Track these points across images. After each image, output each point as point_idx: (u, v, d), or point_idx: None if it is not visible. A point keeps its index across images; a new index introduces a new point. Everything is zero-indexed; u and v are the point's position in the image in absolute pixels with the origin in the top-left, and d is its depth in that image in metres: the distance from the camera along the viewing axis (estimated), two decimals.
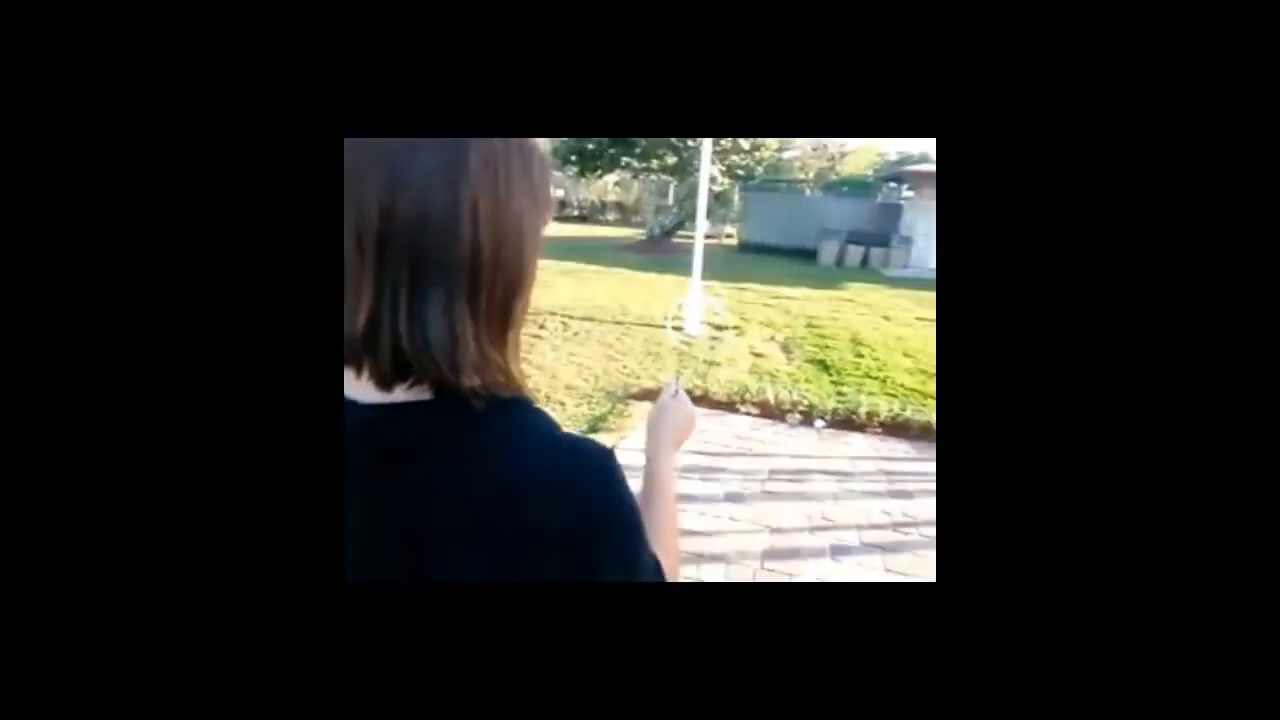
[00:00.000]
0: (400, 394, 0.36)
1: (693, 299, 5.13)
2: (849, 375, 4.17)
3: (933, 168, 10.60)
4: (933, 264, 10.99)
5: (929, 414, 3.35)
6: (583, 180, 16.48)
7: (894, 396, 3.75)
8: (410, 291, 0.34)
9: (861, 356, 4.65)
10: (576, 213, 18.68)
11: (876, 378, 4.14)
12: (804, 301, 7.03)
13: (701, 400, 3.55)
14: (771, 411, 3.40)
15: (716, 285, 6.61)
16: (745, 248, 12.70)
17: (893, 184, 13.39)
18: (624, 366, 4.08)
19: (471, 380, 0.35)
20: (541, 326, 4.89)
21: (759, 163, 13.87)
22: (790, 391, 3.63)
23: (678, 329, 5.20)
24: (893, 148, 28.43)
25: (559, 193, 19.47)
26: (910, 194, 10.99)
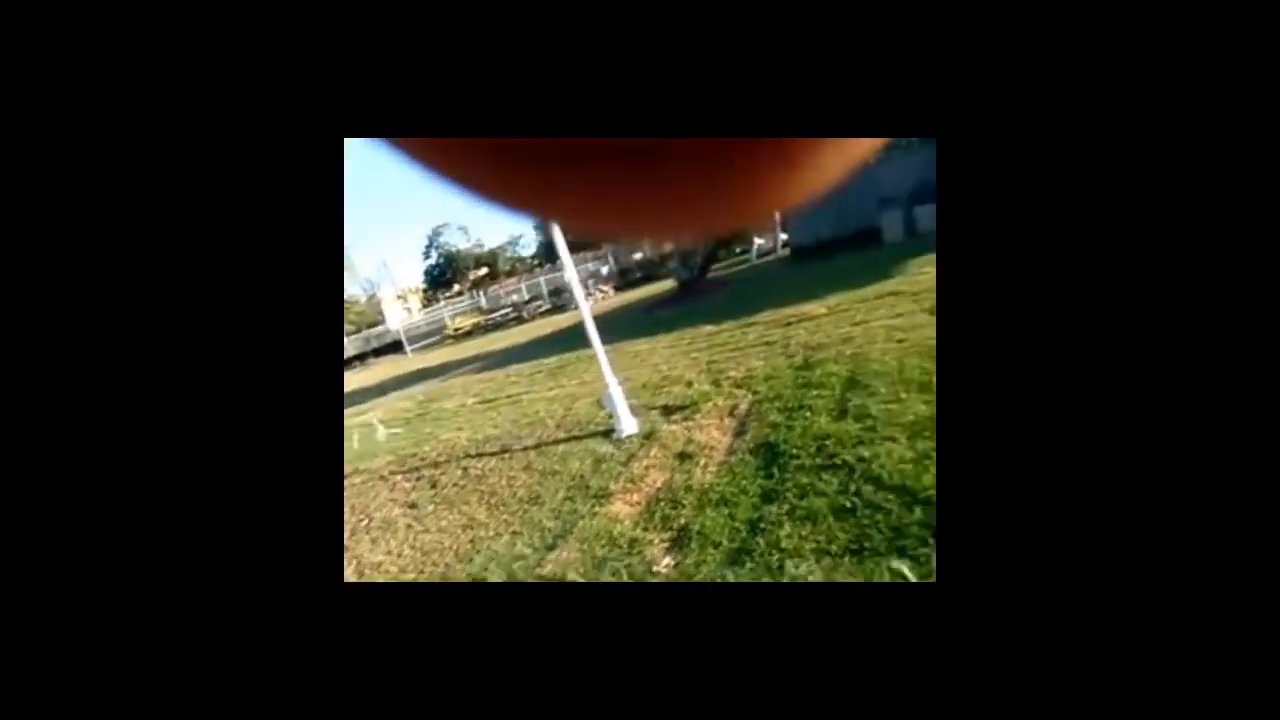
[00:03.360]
0: None
1: (613, 391, 3.82)
2: (803, 466, 2.53)
3: None
4: None
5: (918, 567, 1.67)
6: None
7: (848, 517, 2.08)
8: None
9: (844, 416, 2.93)
10: (639, 274, 17.94)
11: (843, 466, 2.45)
12: (823, 320, 5.22)
13: None
14: None
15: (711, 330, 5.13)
16: (799, 254, 10.79)
17: None
18: (455, 546, 2.92)
19: None
20: (433, 485, 3.93)
21: None
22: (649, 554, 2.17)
23: (609, 433, 3.90)
24: None
25: (605, 267, 19.03)
26: None
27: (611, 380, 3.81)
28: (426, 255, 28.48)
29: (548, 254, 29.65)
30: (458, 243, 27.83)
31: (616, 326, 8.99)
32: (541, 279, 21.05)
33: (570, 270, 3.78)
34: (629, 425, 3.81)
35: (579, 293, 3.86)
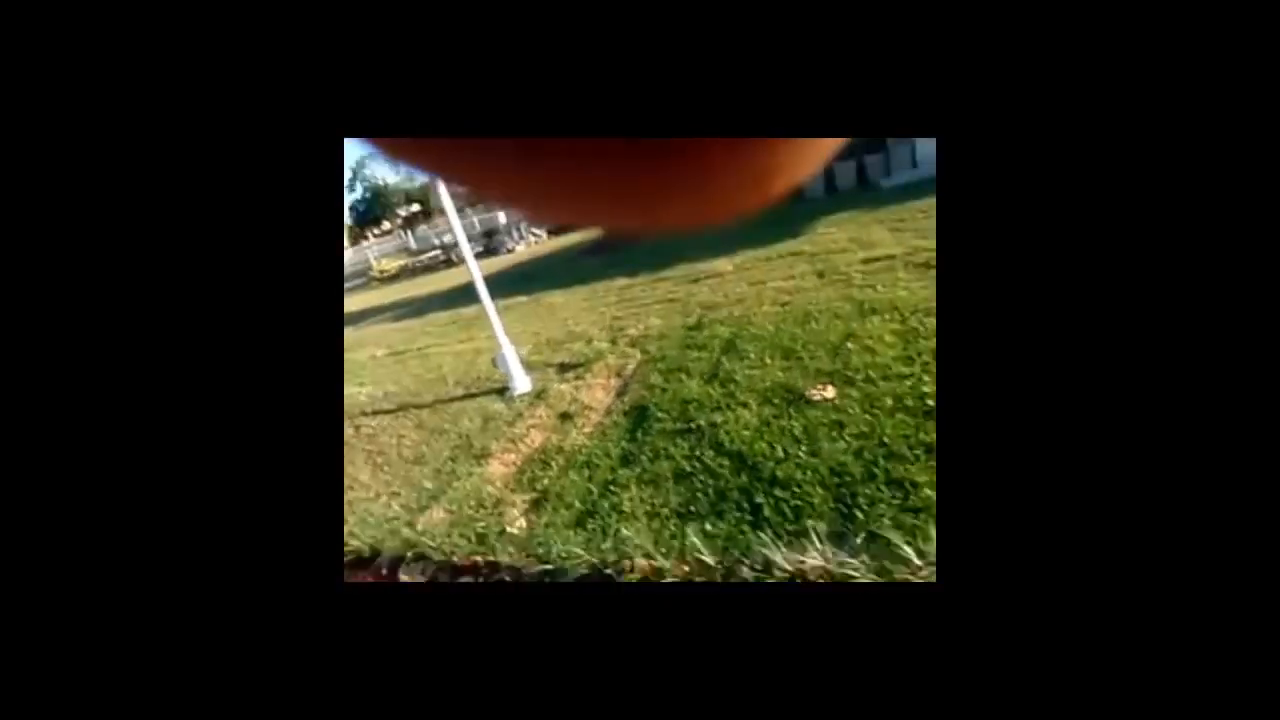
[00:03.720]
0: None
1: (506, 352, 3.85)
2: (664, 430, 2.70)
3: None
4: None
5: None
6: None
7: (685, 481, 2.26)
8: None
9: (713, 380, 3.11)
10: None
11: (696, 430, 2.63)
12: (727, 277, 5.37)
13: (361, 566, 2.35)
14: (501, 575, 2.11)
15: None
16: None
17: None
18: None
19: None
20: None
21: None
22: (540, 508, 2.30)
23: (504, 390, 3.96)
24: None
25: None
26: None
27: (504, 341, 3.84)
28: (350, 188, 26.49)
29: None
30: (385, 175, 25.96)
31: (543, 273, 8.87)
32: (475, 219, 20.16)
33: (458, 228, 3.69)
34: (522, 384, 3.88)
35: (467, 252, 3.79)
